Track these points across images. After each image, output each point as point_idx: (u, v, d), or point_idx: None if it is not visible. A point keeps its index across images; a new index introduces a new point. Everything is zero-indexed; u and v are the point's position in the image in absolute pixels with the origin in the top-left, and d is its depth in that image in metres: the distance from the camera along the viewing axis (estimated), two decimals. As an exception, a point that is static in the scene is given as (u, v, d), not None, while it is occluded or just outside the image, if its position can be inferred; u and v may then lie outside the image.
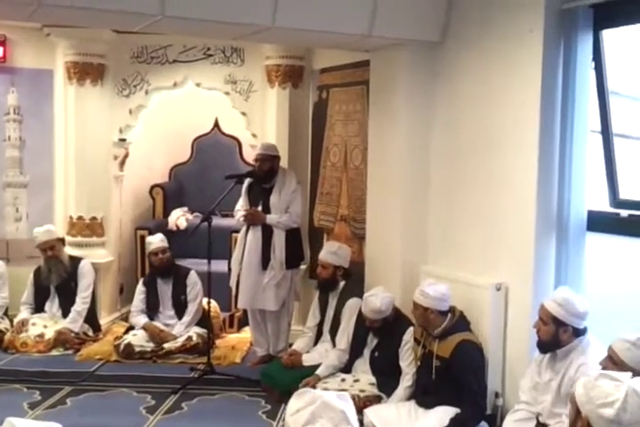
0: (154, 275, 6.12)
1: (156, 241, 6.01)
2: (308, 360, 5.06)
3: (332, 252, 5.19)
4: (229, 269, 5.74)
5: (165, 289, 6.08)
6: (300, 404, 2.03)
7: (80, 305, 6.07)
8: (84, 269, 6.16)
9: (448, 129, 4.76)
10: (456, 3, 4.64)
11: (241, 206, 5.68)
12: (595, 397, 2.11)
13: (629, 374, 2.27)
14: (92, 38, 6.34)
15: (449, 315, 4.14)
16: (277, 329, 5.71)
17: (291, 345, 5.56)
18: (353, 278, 5.29)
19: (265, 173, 5.54)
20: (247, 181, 5.65)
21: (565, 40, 3.98)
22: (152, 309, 6.05)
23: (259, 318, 5.75)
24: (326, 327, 5.23)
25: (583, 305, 3.48)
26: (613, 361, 3.07)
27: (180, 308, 6.04)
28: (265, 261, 5.49)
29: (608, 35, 3.99)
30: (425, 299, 4.09)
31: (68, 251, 6.29)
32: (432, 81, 4.84)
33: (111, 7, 3.91)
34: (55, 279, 6.10)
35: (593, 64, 4.01)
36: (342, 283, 5.19)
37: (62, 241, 6.22)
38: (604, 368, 3.07)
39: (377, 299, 4.47)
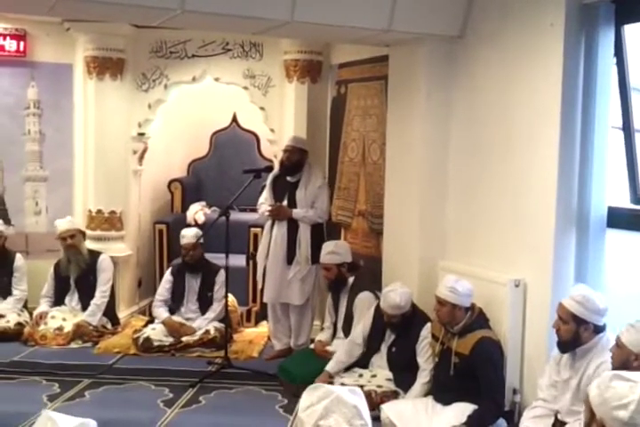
0: (183, 267, 6.12)
1: (188, 236, 5.98)
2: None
3: (330, 252, 5.18)
4: (247, 263, 5.75)
5: (193, 283, 6.09)
6: (312, 399, 2.04)
7: (99, 299, 6.12)
8: (104, 263, 6.20)
9: (467, 124, 4.74)
10: (476, -3, 4.62)
11: (265, 200, 5.68)
12: (609, 398, 2.08)
13: None
14: (111, 33, 6.36)
15: (469, 311, 4.13)
16: (300, 323, 5.71)
17: (312, 340, 5.57)
18: (363, 273, 5.28)
19: (292, 164, 5.54)
20: (272, 175, 5.65)
21: (587, 35, 3.94)
22: (176, 301, 6.06)
23: (280, 312, 5.76)
24: (339, 325, 5.24)
25: (602, 301, 3.46)
26: (617, 344, 3.10)
27: (203, 303, 6.05)
28: (290, 255, 5.51)
29: (630, 30, 3.95)
30: (454, 295, 4.06)
31: (87, 245, 6.32)
32: (451, 76, 4.81)
33: (131, 1, 3.92)
34: (74, 270, 6.14)
35: (615, 59, 3.97)
36: (351, 279, 5.19)
37: (83, 234, 6.26)
38: (612, 354, 3.10)
39: (396, 294, 4.46)
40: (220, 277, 5.97)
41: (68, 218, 6.30)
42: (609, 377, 2.13)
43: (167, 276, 6.15)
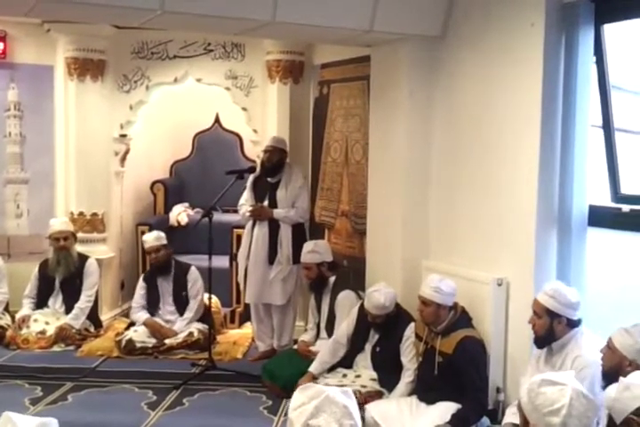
0: (154, 271, 6.12)
1: (150, 240, 5.99)
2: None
3: (310, 251, 5.20)
4: (230, 264, 5.74)
5: (166, 285, 6.08)
6: (303, 398, 2.03)
7: (84, 303, 6.09)
8: (91, 267, 6.18)
9: (449, 124, 4.75)
10: (457, -3, 4.63)
11: (245, 201, 5.68)
12: (540, 405, 2.09)
13: (572, 373, 2.26)
14: (92, 34, 6.33)
15: (452, 311, 4.14)
16: (283, 324, 5.71)
17: (295, 341, 5.57)
18: (344, 272, 5.29)
19: (272, 165, 5.55)
20: (252, 175, 5.66)
21: (567, 34, 3.97)
22: (152, 305, 6.05)
23: (262, 312, 5.75)
24: (322, 325, 5.24)
25: (574, 295, 3.51)
26: (609, 346, 3.10)
27: (180, 304, 6.04)
28: (272, 255, 5.52)
29: (609, 29, 3.98)
30: (439, 295, 4.07)
31: (72, 247, 6.29)
32: (433, 76, 4.83)
33: (111, 2, 3.91)
34: (62, 272, 6.10)
35: (594, 58, 3.99)
36: (332, 278, 5.20)
37: (75, 237, 6.23)
38: (602, 355, 3.11)
39: (380, 294, 4.47)
40: (192, 274, 5.99)
41: (64, 219, 6.31)
42: (537, 383, 2.13)
43: (140, 283, 6.14)
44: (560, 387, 2.09)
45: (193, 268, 6.02)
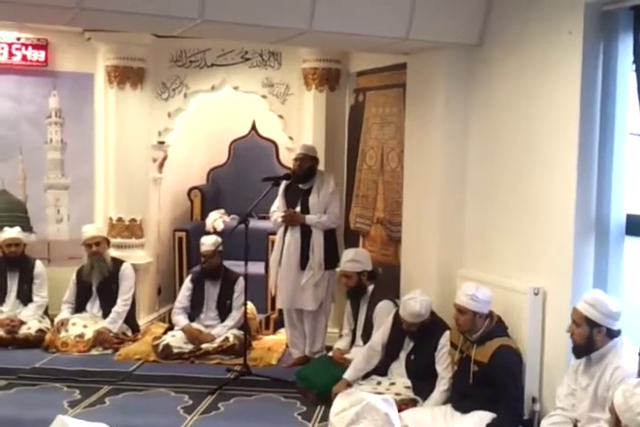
0: (204, 274, 6.15)
1: (207, 243, 6.02)
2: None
3: (351, 259, 5.20)
4: (266, 270, 5.77)
5: (212, 291, 6.11)
6: (345, 404, 2.06)
7: (121, 307, 6.16)
8: (126, 271, 6.26)
9: (486, 132, 4.74)
10: (494, 5, 4.62)
11: (277, 208, 5.71)
12: (634, 405, 2.09)
13: None
14: (131, 42, 6.43)
15: (487, 319, 4.12)
16: (314, 330, 5.72)
17: (328, 348, 5.58)
18: (382, 281, 5.29)
19: (303, 172, 5.58)
20: (284, 182, 5.69)
21: (605, 42, 3.94)
22: (195, 308, 6.10)
23: (295, 318, 5.78)
24: (359, 333, 5.24)
25: (615, 305, 3.46)
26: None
27: (223, 310, 6.07)
28: (303, 261, 5.53)
29: (649, 37, 3.94)
30: (475, 303, 4.06)
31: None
32: (470, 84, 4.82)
33: (152, 11, 3.96)
34: (97, 277, 6.19)
35: (633, 66, 3.96)
36: (371, 287, 5.20)
37: (108, 242, 6.32)
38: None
39: (416, 302, 4.46)
40: (239, 284, 5.98)
41: (96, 225, 6.42)
42: (633, 384, 2.14)
43: (187, 283, 6.19)
44: None
45: (241, 278, 5.88)
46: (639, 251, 4.01)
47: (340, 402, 2.06)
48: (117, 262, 6.28)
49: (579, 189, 3.95)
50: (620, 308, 3.47)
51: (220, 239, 6.05)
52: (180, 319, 6.03)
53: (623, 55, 3.93)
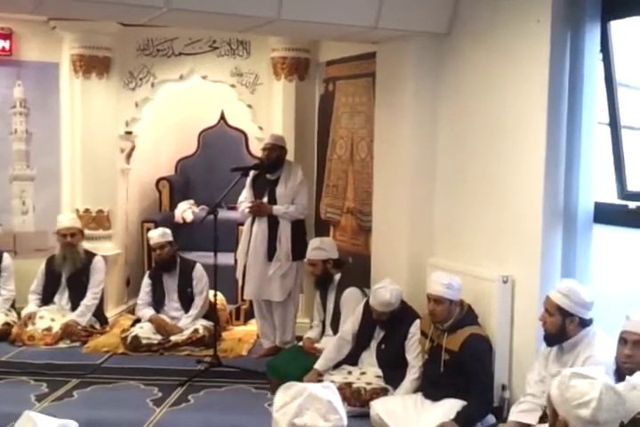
0: (159, 268, 6.12)
1: (155, 236, 5.98)
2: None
3: (316, 247, 5.21)
4: (236, 261, 5.74)
5: (171, 282, 6.08)
6: (286, 398, 2.03)
7: (90, 300, 6.10)
8: (98, 264, 6.19)
9: (455, 121, 4.74)
10: (463, -6, 4.62)
11: (245, 198, 5.68)
12: (570, 398, 2.09)
13: (602, 368, 2.26)
14: (97, 31, 6.34)
15: (458, 308, 4.14)
16: (284, 320, 5.71)
17: (299, 338, 5.57)
18: (350, 270, 5.29)
19: (272, 162, 5.55)
20: (252, 173, 5.66)
21: (573, 31, 3.96)
22: (158, 301, 6.06)
23: (265, 309, 5.76)
24: (328, 322, 5.25)
25: (588, 295, 3.49)
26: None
27: (185, 300, 6.04)
28: (271, 252, 5.51)
29: (616, 26, 3.96)
30: (452, 291, 4.09)
31: (79, 244, 6.30)
32: (439, 72, 4.82)
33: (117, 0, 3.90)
34: (68, 268, 6.11)
35: (601, 55, 3.98)
36: (338, 276, 5.20)
37: (82, 234, 6.24)
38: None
39: (386, 291, 4.47)
40: (197, 271, 6.00)
41: (72, 215, 6.33)
42: (568, 376, 2.13)
43: (146, 280, 6.16)
44: (590, 380, 2.09)
45: (198, 265, 6.03)
46: (607, 239, 4.04)
47: (281, 396, 2.03)
48: (90, 255, 6.21)
49: (547, 178, 3.97)
50: (593, 297, 3.49)
51: (168, 230, 6.04)
52: (146, 312, 5.99)
53: (591, 44, 3.95)
